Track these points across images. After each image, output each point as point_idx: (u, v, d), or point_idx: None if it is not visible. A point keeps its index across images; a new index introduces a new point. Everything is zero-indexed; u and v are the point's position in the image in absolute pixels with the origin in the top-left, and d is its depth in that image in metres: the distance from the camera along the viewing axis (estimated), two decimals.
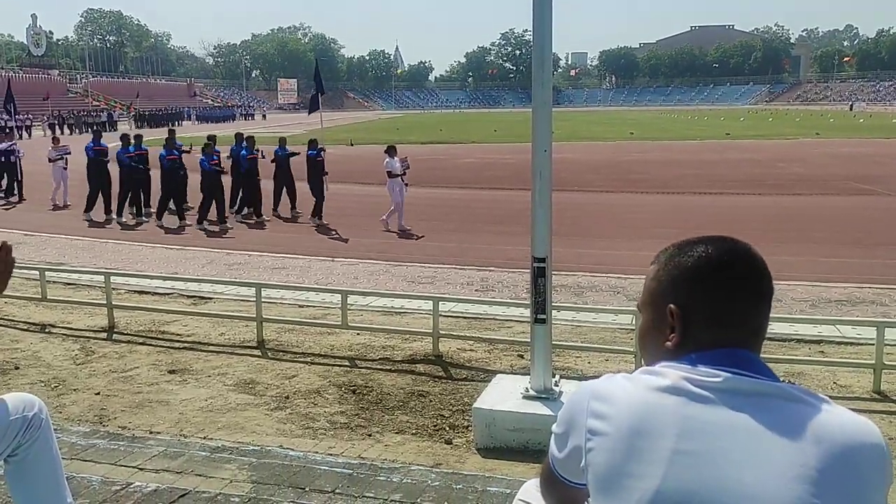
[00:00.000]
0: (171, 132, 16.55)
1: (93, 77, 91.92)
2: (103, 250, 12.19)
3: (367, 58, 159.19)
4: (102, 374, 6.17)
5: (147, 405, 5.49)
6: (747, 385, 1.12)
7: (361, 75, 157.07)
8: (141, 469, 3.96)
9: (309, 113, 16.32)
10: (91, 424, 5.04)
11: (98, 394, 5.71)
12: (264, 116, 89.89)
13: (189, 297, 8.79)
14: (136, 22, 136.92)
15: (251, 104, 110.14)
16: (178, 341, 7.14)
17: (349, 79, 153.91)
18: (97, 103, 76.96)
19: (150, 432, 4.91)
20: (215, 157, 14.77)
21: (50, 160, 17.73)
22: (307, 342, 7.14)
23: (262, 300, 7.24)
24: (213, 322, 7.66)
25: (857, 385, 5.94)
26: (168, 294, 8.92)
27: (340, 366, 6.49)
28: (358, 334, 7.24)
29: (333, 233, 13.91)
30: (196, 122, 71.03)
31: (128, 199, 15.81)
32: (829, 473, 1.04)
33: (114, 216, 15.67)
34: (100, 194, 15.88)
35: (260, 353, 6.83)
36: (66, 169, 17.59)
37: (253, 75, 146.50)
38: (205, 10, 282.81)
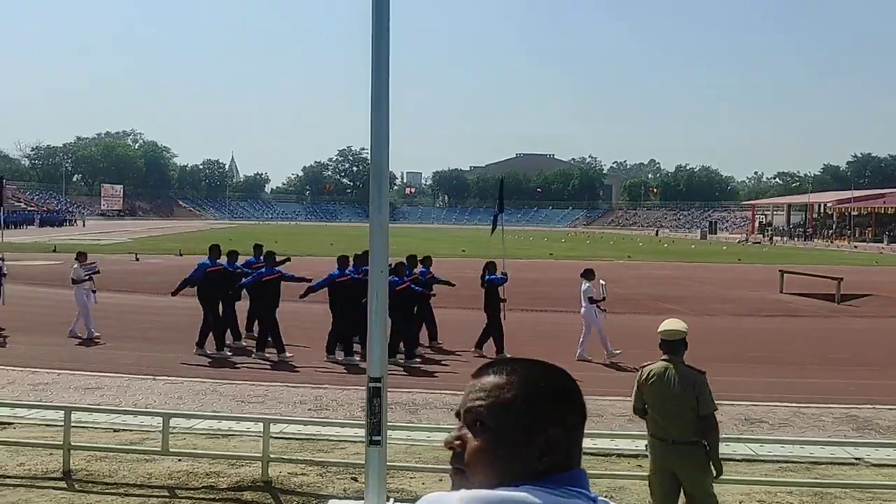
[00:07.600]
0: (277, 258, 14.31)
1: None
2: None
3: (201, 166, 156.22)
4: None
5: None
6: None
7: (194, 184, 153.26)
8: None
9: (492, 233, 16.04)
10: None
11: None
12: (83, 223, 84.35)
13: None
14: None
15: (70, 209, 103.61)
16: None
17: (181, 187, 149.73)
18: None
19: None
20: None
21: (74, 281, 14.06)
22: (121, 471, 6.58)
23: (72, 424, 6.65)
24: (12, 451, 6.89)
25: None
26: None
27: (158, 496, 6.03)
28: (180, 460, 6.79)
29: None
30: None
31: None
32: None
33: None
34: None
35: (65, 486, 6.20)
36: (95, 292, 14.14)
37: (74, 179, 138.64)
38: (22, 110, 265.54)
